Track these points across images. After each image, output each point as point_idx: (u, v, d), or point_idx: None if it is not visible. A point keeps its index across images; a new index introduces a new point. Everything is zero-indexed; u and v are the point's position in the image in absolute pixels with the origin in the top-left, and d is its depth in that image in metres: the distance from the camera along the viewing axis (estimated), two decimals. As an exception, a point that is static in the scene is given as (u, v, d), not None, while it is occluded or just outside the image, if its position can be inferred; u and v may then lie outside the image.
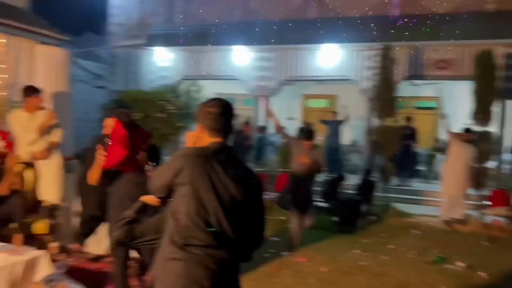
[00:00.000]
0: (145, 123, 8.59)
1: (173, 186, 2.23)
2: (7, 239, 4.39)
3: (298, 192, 6.09)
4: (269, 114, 7.81)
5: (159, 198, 2.38)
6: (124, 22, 13.42)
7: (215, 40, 12.00)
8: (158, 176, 2.35)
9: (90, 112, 10.52)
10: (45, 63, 6.17)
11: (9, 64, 5.63)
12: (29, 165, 5.28)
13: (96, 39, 17.46)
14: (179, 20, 12.87)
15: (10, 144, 5.35)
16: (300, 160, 5.93)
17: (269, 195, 7.85)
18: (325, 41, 11.29)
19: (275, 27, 11.58)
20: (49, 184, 5.43)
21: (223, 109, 2.33)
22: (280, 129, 6.48)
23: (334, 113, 11.86)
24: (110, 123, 4.04)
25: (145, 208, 2.57)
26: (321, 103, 14.67)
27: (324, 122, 11.61)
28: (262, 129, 11.79)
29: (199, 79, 12.88)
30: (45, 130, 5.35)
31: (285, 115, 12.46)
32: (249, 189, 2.27)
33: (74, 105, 14.96)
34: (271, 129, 10.88)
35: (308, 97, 14.73)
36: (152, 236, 2.45)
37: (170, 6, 12.98)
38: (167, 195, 2.30)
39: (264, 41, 11.61)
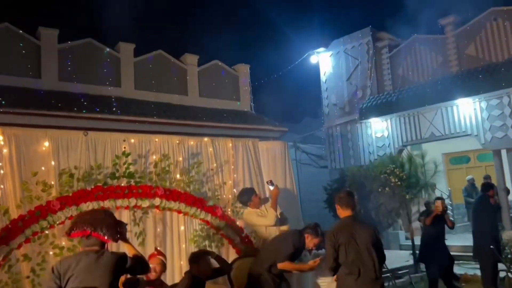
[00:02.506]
0: (370, 199, 8.22)
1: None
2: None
3: None
4: None
5: None
6: (335, 101, 13.86)
7: (432, 99, 11.11)
8: None
9: (316, 192, 10.81)
10: (267, 156, 6.65)
11: (237, 164, 6.25)
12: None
13: (314, 122, 18.55)
14: (388, 88, 12.56)
15: (245, 239, 5.75)
16: None
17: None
18: None
19: (503, 69, 10.03)
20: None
21: (349, 193, 4.21)
22: None
23: None
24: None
25: None
26: None
27: None
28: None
29: (421, 142, 11.99)
30: (276, 204, 5.62)
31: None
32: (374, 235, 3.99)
33: (302, 186, 15.86)
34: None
35: None
36: None
37: (377, 76, 12.86)
38: None
39: (490, 87, 10.12)
